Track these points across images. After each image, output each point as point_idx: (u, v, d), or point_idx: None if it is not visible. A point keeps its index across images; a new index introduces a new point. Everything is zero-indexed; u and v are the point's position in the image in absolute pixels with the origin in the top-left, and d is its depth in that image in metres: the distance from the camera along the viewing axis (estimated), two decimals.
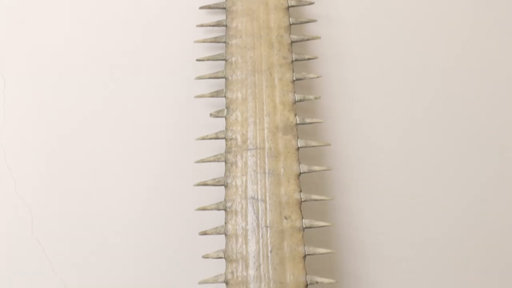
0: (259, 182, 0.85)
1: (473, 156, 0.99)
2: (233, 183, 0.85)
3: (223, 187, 0.86)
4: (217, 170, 0.91)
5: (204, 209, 0.85)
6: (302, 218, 0.84)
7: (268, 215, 0.84)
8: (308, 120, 0.88)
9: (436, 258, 0.96)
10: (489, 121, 1.00)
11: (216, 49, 0.96)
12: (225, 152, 0.86)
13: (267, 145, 0.86)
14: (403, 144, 0.98)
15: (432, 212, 0.97)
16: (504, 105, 1.00)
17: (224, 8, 0.93)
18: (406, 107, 0.99)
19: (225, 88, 0.89)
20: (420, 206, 0.97)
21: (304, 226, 0.83)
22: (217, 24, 0.93)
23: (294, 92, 0.88)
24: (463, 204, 0.98)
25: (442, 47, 1.01)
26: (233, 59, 0.90)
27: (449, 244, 0.97)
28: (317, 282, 0.82)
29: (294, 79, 0.89)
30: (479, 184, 0.98)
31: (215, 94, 0.90)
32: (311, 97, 0.89)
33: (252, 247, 0.83)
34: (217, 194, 0.90)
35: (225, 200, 0.85)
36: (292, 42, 0.91)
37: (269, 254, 0.82)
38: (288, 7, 0.92)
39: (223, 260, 0.83)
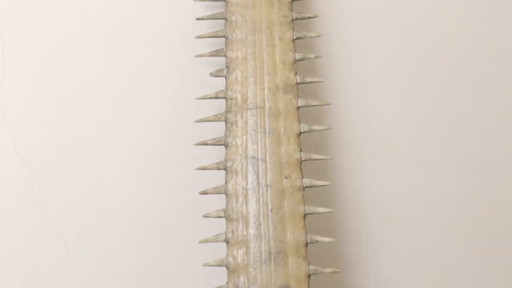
0: (259, 142, 0.85)
1: (475, 114, 0.99)
2: (233, 143, 0.85)
3: (223, 147, 0.86)
4: (217, 130, 0.91)
5: (204, 168, 0.85)
6: (302, 177, 0.84)
7: (268, 175, 0.84)
8: (308, 79, 0.88)
9: (437, 218, 0.96)
10: (491, 75, 0.99)
11: (216, 8, 0.95)
12: (225, 111, 0.86)
13: (267, 105, 0.86)
14: (404, 103, 0.98)
15: (433, 172, 0.97)
16: (506, 56, 1.00)
17: None
18: (408, 66, 0.99)
19: (225, 47, 0.89)
20: (421, 165, 0.97)
21: (304, 185, 0.83)
22: None
23: (295, 51, 0.88)
24: (464, 162, 0.98)
25: (445, 8, 1.00)
26: (233, 18, 0.89)
27: (450, 204, 0.97)
28: (317, 241, 0.82)
29: (295, 38, 0.88)
30: (480, 143, 0.98)
31: (215, 54, 0.89)
32: (312, 56, 0.89)
33: (252, 206, 0.83)
34: (216, 155, 0.90)
35: (225, 159, 0.85)
36: (292, 0, 0.90)
37: (269, 213, 0.83)
38: None
39: (224, 219, 0.84)
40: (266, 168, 0.84)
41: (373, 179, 0.96)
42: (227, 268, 0.82)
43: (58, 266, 0.93)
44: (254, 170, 0.84)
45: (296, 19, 0.90)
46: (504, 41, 1.00)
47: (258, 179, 0.84)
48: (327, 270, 0.82)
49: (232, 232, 0.83)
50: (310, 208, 0.83)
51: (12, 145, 0.95)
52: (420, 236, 0.96)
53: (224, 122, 0.86)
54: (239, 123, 0.85)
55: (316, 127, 0.86)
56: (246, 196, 0.83)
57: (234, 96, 0.87)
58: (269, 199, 0.83)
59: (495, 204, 0.97)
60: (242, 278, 0.81)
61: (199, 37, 0.91)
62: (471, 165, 0.98)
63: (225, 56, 0.88)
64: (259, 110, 0.86)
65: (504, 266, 0.96)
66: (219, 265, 0.82)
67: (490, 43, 1.00)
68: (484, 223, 0.97)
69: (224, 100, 0.87)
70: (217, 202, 0.87)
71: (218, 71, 0.88)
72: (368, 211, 0.96)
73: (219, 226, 0.85)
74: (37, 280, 0.93)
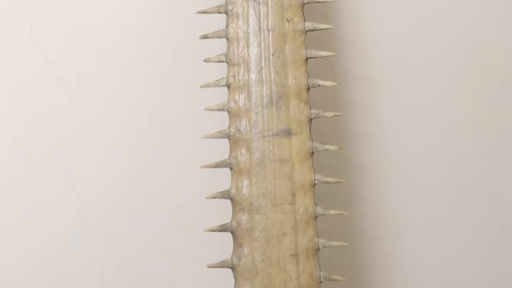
0: None
1: None
2: None
3: None
4: None
5: (204, 12, 0.84)
6: (305, 21, 0.82)
7: (270, 18, 0.82)
8: None
9: (441, 66, 0.96)
10: None
11: None
12: None
13: None
14: None
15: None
16: None
17: None
18: None
19: None
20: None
21: (306, 29, 0.82)
22: None
23: None
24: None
25: None
26: None
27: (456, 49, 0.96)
28: (318, 85, 0.82)
29: None
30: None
31: None
32: None
33: (253, 50, 0.82)
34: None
35: (226, 2, 0.83)
36: None
37: (270, 57, 0.82)
38: None
39: (225, 64, 0.83)
40: (267, 11, 0.82)
41: (378, 23, 0.95)
42: (229, 112, 0.82)
43: (60, 109, 0.94)
44: (255, 13, 0.82)
45: None
46: None
47: (260, 22, 0.82)
48: (328, 114, 0.82)
49: (234, 76, 0.82)
50: (312, 52, 0.82)
51: None
52: (423, 82, 0.96)
53: None
54: None
55: None
56: (247, 40, 0.82)
57: None
58: (270, 43, 0.82)
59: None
60: (243, 122, 0.82)
61: None
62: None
63: None
64: None
65: None
66: (220, 110, 0.82)
67: None
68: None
69: None
70: (219, 48, 0.86)
71: None
72: (371, 55, 0.95)
73: (220, 73, 0.85)
74: (39, 123, 0.94)
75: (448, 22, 0.96)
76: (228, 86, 0.82)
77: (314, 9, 0.88)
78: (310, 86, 0.82)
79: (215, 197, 0.81)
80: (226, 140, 0.82)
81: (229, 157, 0.82)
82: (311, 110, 0.82)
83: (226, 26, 0.83)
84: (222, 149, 0.84)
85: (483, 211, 0.96)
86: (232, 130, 0.82)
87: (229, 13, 0.83)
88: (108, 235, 0.94)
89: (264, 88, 0.82)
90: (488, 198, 0.96)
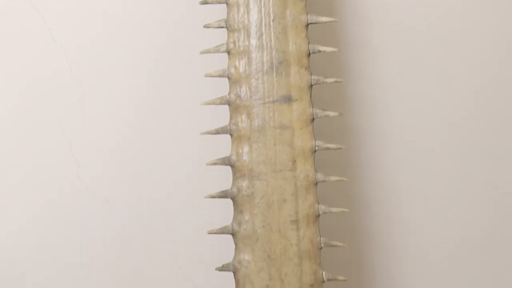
0: None
1: None
2: None
3: None
4: None
5: None
6: None
7: None
8: None
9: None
10: None
11: None
12: None
13: None
14: None
15: None
16: None
17: None
18: None
19: None
20: None
21: None
22: None
23: None
24: None
25: None
26: None
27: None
28: (319, 51, 0.82)
29: None
30: None
31: None
32: None
33: (254, 16, 0.82)
34: None
35: None
36: None
37: (271, 23, 0.81)
38: None
39: (225, 30, 0.82)
40: None
41: None
42: (229, 78, 0.82)
43: (59, 75, 0.94)
44: None
45: None
46: None
47: None
48: (329, 80, 0.82)
49: (234, 42, 0.82)
50: (312, 18, 0.82)
51: None
52: (424, 47, 0.95)
53: None
54: None
55: None
56: (247, 5, 0.82)
57: None
58: (271, 9, 0.81)
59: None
60: (244, 88, 0.81)
61: None
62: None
63: None
64: None
65: None
66: (220, 76, 0.82)
67: None
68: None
69: None
70: (219, 14, 0.85)
71: None
72: (372, 20, 0.94)
73: (220, 39, 0.84)
74: (39, 89, 0.94)
75: None
76: (228, 52, 0.82)
77: None
78: (310, 52, 0.81)
79: (215, 164, 0.81)
80: (226, 106, 0.82)
81: (229, 124, 0.81)
82: (312, 76, 0.81)
83: None
84: (222, 115, 0.84)
85: (484, 177, 0.96)
86: (232, 96, 0.82)
87: None
88: (108, 202, 0.94)
89: (265, 54, 0.81)
90: (488, 165, 0.96)
